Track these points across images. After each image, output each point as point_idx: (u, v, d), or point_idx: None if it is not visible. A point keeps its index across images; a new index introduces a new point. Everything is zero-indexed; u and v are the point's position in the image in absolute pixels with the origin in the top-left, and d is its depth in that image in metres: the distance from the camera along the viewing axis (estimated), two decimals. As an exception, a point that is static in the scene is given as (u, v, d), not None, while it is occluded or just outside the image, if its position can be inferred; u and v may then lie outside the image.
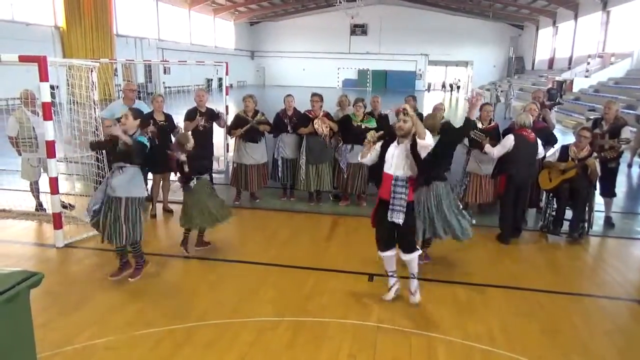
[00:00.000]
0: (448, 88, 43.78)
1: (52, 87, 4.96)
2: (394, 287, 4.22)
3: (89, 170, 6.16)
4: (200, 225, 5.08)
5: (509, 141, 5.56)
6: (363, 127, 6.56)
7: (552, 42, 36.15)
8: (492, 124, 6.34)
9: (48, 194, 5.29)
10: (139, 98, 7.59)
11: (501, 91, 23.01)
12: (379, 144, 4.16)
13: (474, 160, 6.38)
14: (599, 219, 6.42)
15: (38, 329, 2.77)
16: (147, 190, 4.73)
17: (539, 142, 5.71)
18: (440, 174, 4.66)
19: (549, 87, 20.83)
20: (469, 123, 4.78)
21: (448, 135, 4.68)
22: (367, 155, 4.18)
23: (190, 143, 4.92)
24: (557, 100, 8.24)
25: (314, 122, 6.54)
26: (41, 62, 4.74)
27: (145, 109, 6.62)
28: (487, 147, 5.80)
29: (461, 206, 4.86)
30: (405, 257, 4.11)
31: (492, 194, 6.44)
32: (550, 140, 6.30)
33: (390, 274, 4.23)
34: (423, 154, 3.81)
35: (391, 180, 3.93)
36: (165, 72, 30.99)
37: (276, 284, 4.50)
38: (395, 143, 4.01)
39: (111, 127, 5.98)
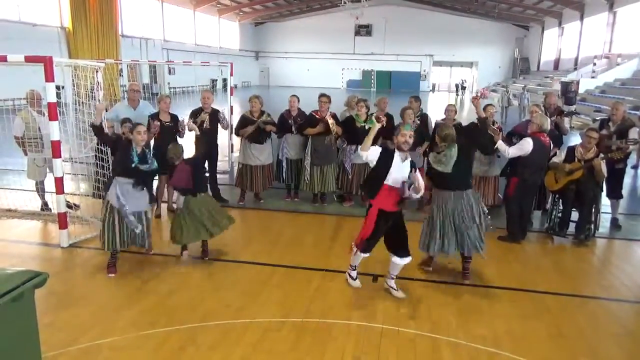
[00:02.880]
0: (454, 88, 43.61)
1: (57, 88, 4.97)
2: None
3: (94, 171, 6.16)
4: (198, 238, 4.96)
5: (527, 144, 5.39)
6: (367, 127, 6.54)
7: (557, 42, 35.95)
8: (496, 125, 6.30)
9: (53, 193, 5.31)
10: (144, 98, 7.59)
11: (513, 95, 22.39)
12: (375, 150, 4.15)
13: (477, 162, 6.34)
14: (605, 221, 6.37)
15: (43, 329, 2.77)
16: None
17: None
18: (469, 181, 4.66)
19: (567, 90, 19.17)
20: (484, 122, 4.98)
21: (471, 138, 4.78)
22: (367, 149, 4.07)
23: (178, 155, 4.90)
24: (574, 110, 8.08)
25: (327, 119, 6.51)
26: (47, 63, 4.76)
27: (150, 109, 6.63)
28: (501, 144, 5.59)
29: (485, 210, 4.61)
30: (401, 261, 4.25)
31: (493, 196, 6.42)
32: (555, 143, 6.26)
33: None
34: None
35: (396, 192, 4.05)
36: (170, 73, 31.09)
37: (280, 285, 4.49)
38: (398, 157, 4.08)
39: (112, 128, 6.01)
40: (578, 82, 25.00)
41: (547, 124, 5.56)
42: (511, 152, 5.52)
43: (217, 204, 5.13)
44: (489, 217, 4.66)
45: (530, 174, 5.53)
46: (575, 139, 9.44)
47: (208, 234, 4.86)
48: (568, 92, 18.25)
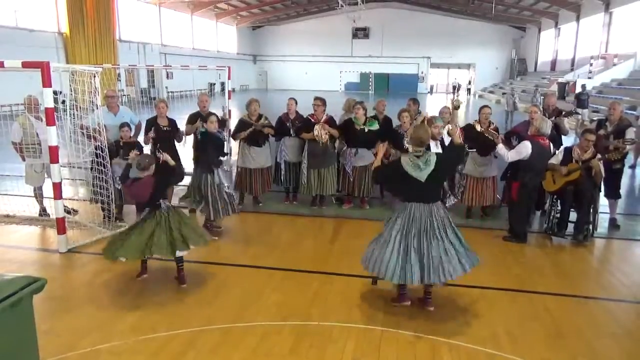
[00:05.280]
0: (451, 90, 43.64)
1: (55, 93, 4.97)
2: None
3: (92, 176, 6.16)
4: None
5: (525, 148, 5.39)
6: (366, 130, 6.56)
7: (554, 43, 36.09)
8: (492, 126, 6.30)
9: (52, 199, 5.30)
10: (142, 103, 7.60)
11: (519, 98, 21.78)
12: None
13: (471, 162, 6.36)
14: (603, 221, 6.38)
15: (41, 335, 2.77)
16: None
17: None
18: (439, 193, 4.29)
19: (579, 91, 17.80)
20: (460, 150, 4.70)
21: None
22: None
23: (147, 166, 4.40)
24: (573, 110, 7.98)
25: (314, 128, 6.52)
26: (44, 68, 4.76)
27: (130, 114, 6.61)
28: (500, 149, 5.59)
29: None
30: None
31: (492, 196, 6.42)
32: (554, 144, 6.27)
33: None
34: None
35: None
36: (168, 77, 31.09)
37: (280, 288, 4.49)
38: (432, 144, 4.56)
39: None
40: (568, 83, 24.96)
41: (547, 127, 5.52)
42: (510, 156, 5.52)
43: (187, 221, 4.52)
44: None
45: (530, 178, 5.54)
46: (572, 139, 9.46)
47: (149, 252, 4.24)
48: (581, 93, 17.25)
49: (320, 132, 6.48)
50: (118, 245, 4.26)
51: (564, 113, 6.99)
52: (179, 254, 4.34)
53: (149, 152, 6.24)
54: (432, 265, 3.77)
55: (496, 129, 6.27)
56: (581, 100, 16.93)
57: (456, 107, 5.87)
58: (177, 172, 4.91)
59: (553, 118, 6.48)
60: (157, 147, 5.76)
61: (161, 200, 4.41)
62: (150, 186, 4.33)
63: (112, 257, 4.25)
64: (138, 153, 5.37)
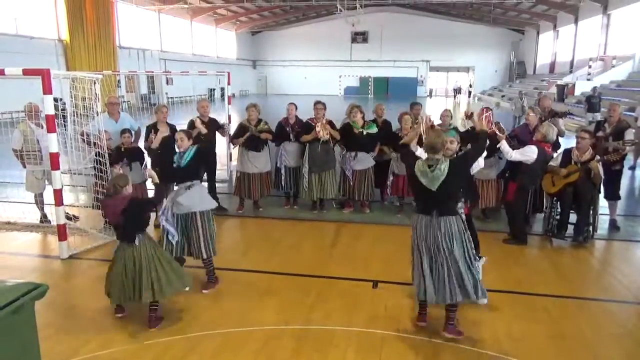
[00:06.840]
0: (451, 93, 43.70)
1: (55, 100, 4.99)
2: None
3: (93, 182, 6.17)
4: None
5: (532, 153, 5.40)
6: (364, 133, 6.57)
7: (553, 46, 36.16)
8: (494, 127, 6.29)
9: (52, 205, 5.32)
10: (142, 109, 7.63)
11: (526, 102, 20.99)
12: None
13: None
14: (603, 222, 6.38)
15: (43, 341, 2.77)
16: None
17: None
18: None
19: (589, 94, 16.46)
20: (484, 136, 4.20)
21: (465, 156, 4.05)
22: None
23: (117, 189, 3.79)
24: (567, 111, 8.01)
25: (316, 126, 6.54)
26: (45, 75, 4.78)
27: (131, 120, 6.64)
28: (504, 145, 5.51)
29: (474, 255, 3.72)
30: None
31: (495, 198, 6.41)
32: (553, 146, 6.28)
33: None
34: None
35: None
36: (168, 83, 31.17)
37: (281, 293, 4.49)
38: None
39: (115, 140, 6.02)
40: (567, 85, 24.86)
41: (553, 134, 5.55)
42: (514, 155, 5.49)
43: (164, 258, 3.89)
44: (481, 258, 3.86)
45: (529, 181, 5.58)
46: (571, 142, 9.46)
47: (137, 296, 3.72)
48: (592, 96, 15.70)
49: (322, 129, 6.50)
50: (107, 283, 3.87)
51: (559, 114, 7.02)
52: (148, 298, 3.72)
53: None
54: (440, 284, 3.57)
55: (500, 129, 6.25)
56: (592, 103, 15.56)
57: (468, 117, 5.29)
58: (159, 194, 4.32)
59: (549, 120, 6.50)
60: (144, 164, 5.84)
61: (137, 236, 3.74)
62: (120, 210, 3.69)
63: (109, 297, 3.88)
64: (119, 168, 5.10)
